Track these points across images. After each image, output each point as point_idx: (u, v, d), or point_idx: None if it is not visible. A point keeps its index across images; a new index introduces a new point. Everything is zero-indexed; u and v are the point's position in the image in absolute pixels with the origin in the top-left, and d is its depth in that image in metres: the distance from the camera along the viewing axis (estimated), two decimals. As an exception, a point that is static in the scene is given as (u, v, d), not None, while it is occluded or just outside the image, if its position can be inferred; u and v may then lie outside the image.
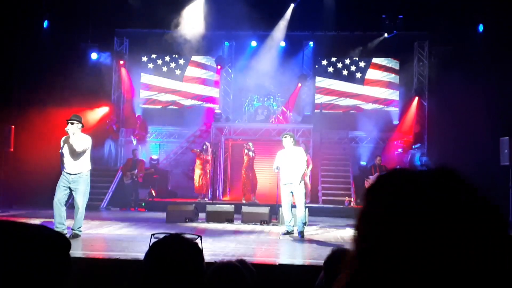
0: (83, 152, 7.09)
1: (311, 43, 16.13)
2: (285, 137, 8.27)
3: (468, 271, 0.55)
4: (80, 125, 7.06)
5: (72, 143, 6.97)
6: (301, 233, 8.01)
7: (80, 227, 7.19)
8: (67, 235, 6.82)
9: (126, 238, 7.48)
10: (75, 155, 7.04)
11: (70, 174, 7.06)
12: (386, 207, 0.61)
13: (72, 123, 6.96)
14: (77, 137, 7.03)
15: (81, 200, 7.13)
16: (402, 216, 0.59)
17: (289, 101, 15.52)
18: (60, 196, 7.06)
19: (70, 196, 7.35)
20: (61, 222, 6.99)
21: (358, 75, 16.31)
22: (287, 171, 8.14)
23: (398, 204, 0.60)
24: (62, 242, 1.27)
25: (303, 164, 8.22)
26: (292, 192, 8.15)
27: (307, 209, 8.65)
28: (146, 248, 1.70)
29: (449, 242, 0.56)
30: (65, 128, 6.98)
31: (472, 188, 0.60)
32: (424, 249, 0.56)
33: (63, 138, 7.19)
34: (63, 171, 7.10)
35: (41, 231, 1.26)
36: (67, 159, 7.05)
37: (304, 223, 8.25)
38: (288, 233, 8.15)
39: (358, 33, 15.53)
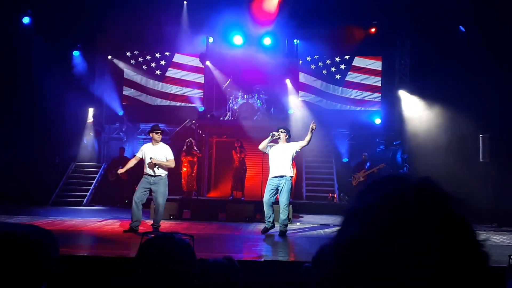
0: (165, 160, 7.94)
1: (295, 40, 16.13)
2: (282, 131, 8.12)
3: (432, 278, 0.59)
4: (161, 136, 8.11)
5: (156, 151, 7.93)
6: (282, 233, 7.78)
7: (159, 222, 8.01)
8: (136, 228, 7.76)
9: (111, 236, 7.47)
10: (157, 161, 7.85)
11: (152, 176, 7.84)
12: (368, 209, 0.65)
13: (156, 133, 8.01)
14: (160, 146, 8.04)
15: (161, 199, 7.87)
16: (380, 219, 0.63)
17: (273, 98, 15.46)
18: (139, 195, 7.80)
19: None
20: (138, 219, 7.77)
21: (339, 74, 16.36)
22: (277, 165, 7.92)
23: (379, 207, 0.64)
24: (49, 240, 1.32)
25: (294, 153, 8.01)
26: (277, 188, 7.90)
27: (291, 205, 8.44)
28: (135, 246, 1.73)
29: (413, 247, 0.59)
30: (154, 136, 8.02)
31: (445, 201, 0.65)
32: (392, 253, 0.60)
33: (145, 145, 8.21)
34: (144, 174, 7.91)
35: (28, 231, 1.30)
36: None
37: (286, 224, 7.91)
38: (267, 229, 7.88)
39: (342, 30, 15.53)
